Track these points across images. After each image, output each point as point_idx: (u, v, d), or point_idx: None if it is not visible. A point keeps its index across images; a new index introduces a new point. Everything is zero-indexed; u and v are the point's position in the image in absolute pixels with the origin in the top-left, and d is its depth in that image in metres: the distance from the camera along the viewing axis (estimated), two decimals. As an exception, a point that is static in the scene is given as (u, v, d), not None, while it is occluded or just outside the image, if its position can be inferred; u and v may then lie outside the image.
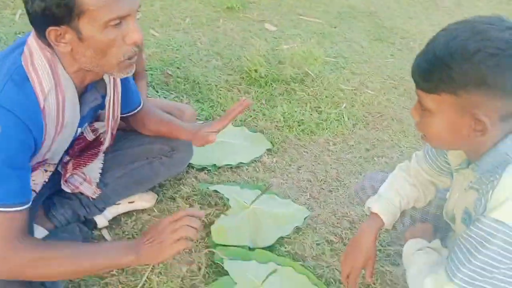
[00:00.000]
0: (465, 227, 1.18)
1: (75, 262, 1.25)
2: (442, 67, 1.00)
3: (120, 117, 1.65)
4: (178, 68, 2.95)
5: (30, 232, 1.56)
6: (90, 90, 1.42)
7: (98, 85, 1.43)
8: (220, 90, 2.77)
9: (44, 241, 1.34)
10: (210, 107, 2.62)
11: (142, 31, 1.25)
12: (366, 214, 1.97)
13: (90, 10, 1.15)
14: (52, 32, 1.18)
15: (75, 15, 1.15)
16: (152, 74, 2.81)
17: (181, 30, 3.43)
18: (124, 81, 1.55)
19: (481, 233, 1.04)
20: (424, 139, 1.19)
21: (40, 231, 1.65)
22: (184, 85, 2.78)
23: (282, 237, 1.85)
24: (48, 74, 1.24)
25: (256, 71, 2.85)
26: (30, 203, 1.26)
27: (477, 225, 1.05)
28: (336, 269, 1.77)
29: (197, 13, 3.69)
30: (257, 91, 2.79)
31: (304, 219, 1.96)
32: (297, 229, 1.92)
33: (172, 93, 2.69)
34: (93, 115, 1.57)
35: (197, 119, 2.48)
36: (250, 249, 1.78)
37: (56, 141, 1.37)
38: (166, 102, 2.33)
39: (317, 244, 1.87)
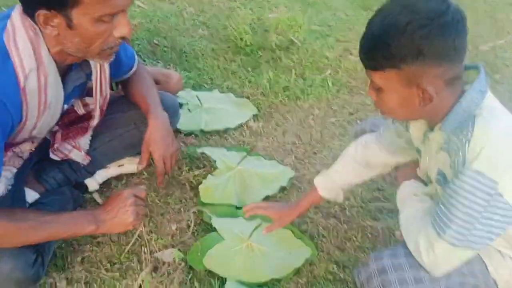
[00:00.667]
0: (440, 187, 1.24)
1: (37, 233, 1.34)
2: (381, 45, 1.06)
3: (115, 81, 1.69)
4: (164, 38, 2.97)
5: (22, 195, 1.61)
6: (74, 69, 1.43)
7: (82, 63, 1.44)
8: (207, 59, 2.81)
9: (8, 210, 1.34)
10: (197, 75, 2.66)
11: (130, 24, 1.28)
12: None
13: (85, 3, 1.16)
14: (41, 15, 1.18)
15: (70, 4, 1.16)
16: (139, 44, 2.84)
17: (167, 1, 3.44)
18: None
19: (465, 185, 1.08)
20: (385, 115, 1.26)
21: (31, 195, 1.70)
22: (171, 54, 2.81)
23: (268, 196, 1.92)
24: (30, 55, 1.25)
25: (242, 39, 2.89)
26: None
27: (460, 177, 1.10)
28: (319, 224, 1.85)
29: (183, -17, 3.68)
30: (243, 59, 2.83)
31: (289, 179, 2.03)
32: (283, 189, 1.99)
33: (159, 62, 2.72)
34: (80, 92, 1.58)
35: (184, 86, 2.52)
36: (237, 208, 1.85)
37: (40, 120, 1.39)
38: (152, 68, 2.37)
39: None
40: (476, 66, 1.18)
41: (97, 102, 1.60)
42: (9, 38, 1.23)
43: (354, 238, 1.81)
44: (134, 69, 1.75)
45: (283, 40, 2.94)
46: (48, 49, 1.28)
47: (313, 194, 1.68)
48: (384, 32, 1.06)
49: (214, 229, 1.74)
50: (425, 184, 1.44)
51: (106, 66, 1.53)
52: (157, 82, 2.00)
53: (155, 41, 2.90)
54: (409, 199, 1.36)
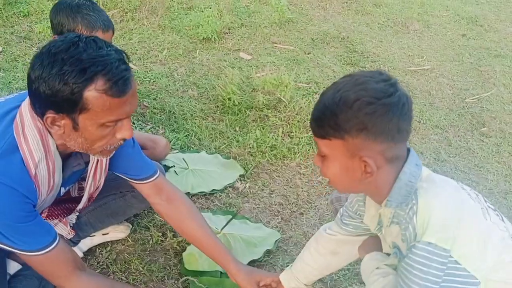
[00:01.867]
0: (397, 259, 1.25)
1: None
2: (330, 115, 1.13)
3: (134, 184, 1.68)
4: (154, 99, 3.03)
5: (3, 266, 1.61)
6: (74, 156, 1.49)
7: (83, 153, 1.48)
8: (195, 119, 2.86)
9: (110, 283, 1.52)
10: (185, 136, 2.69)
11: (132, 129, 1.35)
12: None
13: (93, 110, 1.23)
14: (50, 117, 1.25)
15: (78, 110, 1.23)
16: (128, 106, 2.88)
17: (158, 62, 3.53)
18: (123, 148, 1.51)
19: (418, 258, 1.11)
20: (330, 183, 1.29)
21: (14, 266, 1.69)
22: (160, 116, 2.86)
23: (253, 261, 1.91)
24: (38, 144, 1.31)
25: (229, 99, 2.94)
26: (58, 236, 1.39)
27: (413, 251, 1.13)
28: (306, 289, 1.83)
29: (174, 45, 3.79)
30: (231, 119, 2.87)
31: (275, 242, 2.02)
32: (269, 252, 1.99)
33: (148, 124, 2.77)
34: (77, 177, 1.62)
35: (171, 147, 2.56)
36: (222, 274, 1.83)
37: (44, 201, 1.45)
38: (139, 133, 2.41)
39: (288, 267, 1.92)
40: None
41: (87, 189, 1.63)
42: (19, 131, 1.30)
43: (341, 303, 1.79)
44: (153, 179, 1.68)
45: (271, 99, 3.00)
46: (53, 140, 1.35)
47: None
48: (334, 104, 1.12)
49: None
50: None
51: (104, 161, 1.57)
52: (144, 147, 2.02)
53: (145, 103, 2.96)
54: (372, 275, 1.35)
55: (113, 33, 1.96)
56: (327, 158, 1.20)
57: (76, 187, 1.72)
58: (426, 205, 1.13)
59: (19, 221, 1.30)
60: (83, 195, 1.67)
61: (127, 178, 1.66)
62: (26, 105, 1.31)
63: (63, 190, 1.58)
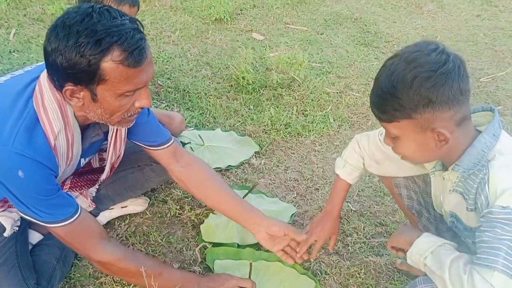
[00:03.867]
0: (453, 230, 1.28)
1: (151, 280, 1.48)
2: (392, 99, 1.16)
3: (152, 152, 1.70)
4: (168, 78, 3.04)
5: (25, 236, 1.64)
6: (92, 126, 1.51)
7: (101, 123, 1.49)
8: (210, 98, 2.87)
9: (133, 254, 1.54)
10: (200, 114, 2.71)
11: (151, 97, 1.36)
12: (351, 209, 2.06)
13: (111, 81, 1.24)
14: (68, 89, 1.26)
15: (95, 81, 1.24)
16: (143, 86, 2.90)
17: (171, 43, 3.53)
18: (140, 116, 1.52)
19: (498, 220, 1.12)
20: (405, 159, 1.34)
21: (36, 236, 1.73)
22: (175, 95, 2.87)
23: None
24: (58, 116, 1.33)
25: (243, 78, 2.95)
26: (80, 207, 1.43)
27: (489, 216, 1.14)
28: (322, 261, 1.85)
29: (187, 25, 3.79)
30: (245, 98, 2.88)
31: (291, 216, 2.03)
32: (285, 226, 1.99)
33: (163, 103, 2.78)
34: (97, 148, 1.65)
35: (186, 125, 2.57)
36: (239, 246, 1.85)
37: (64, 171, 1.47)
38: (155, 109, 2.42)
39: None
40: (491, 109, 1.27)
41: (109, 159, 1.65)
42: (38, 103, 1.31)
43: (357, 275, 1.80)
44: (168, 145, 1.70)
45: (284, 77, 3.00)
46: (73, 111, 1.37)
47: (342, 189, 1.69)
48: (393, 88, 1.16)
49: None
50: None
51: (123, 129, 1.59)
52: (160, 123, 2.03)
53: (159, 82, 2.97)
54: (438, 252, 1.24)
55: (138, 9, 1.99)
56: (399, 138, 1.24)
57: (97, 158, 1.74)
58: (498, 175, 1.15)
59: (44, 194, 1.33)
60: (104, 166, 1.69)
61: (144, 146, 1.68)
62: (45, 77, 1.33)
63: (83, 161, 1.61)
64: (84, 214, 1.44)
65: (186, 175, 1.73)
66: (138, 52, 1.23)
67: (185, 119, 2.62)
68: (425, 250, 1.23)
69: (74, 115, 1.37)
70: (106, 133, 1.57)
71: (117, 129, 1.56)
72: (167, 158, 1.71)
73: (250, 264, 1.67)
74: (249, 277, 1.66)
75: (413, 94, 1.13)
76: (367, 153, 1.61)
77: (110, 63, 1.21)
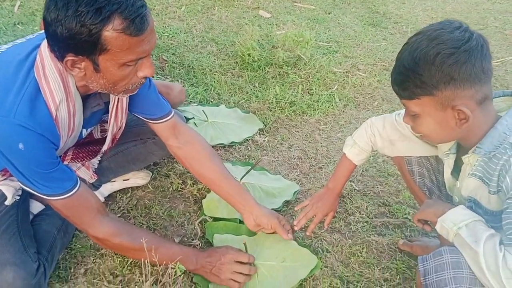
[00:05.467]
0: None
1: (148, 254, 1.47)
2: (414, 75, 1.17)
3: (152, 125, 1.68)
4: (173, 54, 3.01)
5: (26, 206, 1.64)
6: (93, 96, 1.48)
7: (102, 93, 1.47)
8: (214, 74, 2.84)
9: (128, 228, 1.54)
10: (205, 90, 2.68)
11: (154, 66, 1.33)
12: (354, 189, 2.05)
13: (112, 50, 1.20)
14: (69, 60, 1.23)
15: (97, 51, 1.20)
16: (147, 60, 2.87)
17: (177, 18, 3.49)
18: (140, 88, 1.49)
19: None
20: (424, 138, 1.35)
21: (37, 206, 1.72)
22: (179, 70, 2.84)
23: (272, 210, 1.91)
24: (59, 86, 1.30)
25: (249, 55, 2.91)
26: (79, 182, 1.42)
27: None
28: (324, 239, 1.84)
29: (193, 1, 3.74)
30: (250, 75, 2.85)
31: (294, 193, 2.02)
32: (287, 203, 1.99)
33: (167, 78, 2.75)
34: (99, 118, 1.63)
35: (190, 101, 2.55)
36: (240, 221, 1.84)
37: (66, 142, 1.45)
38: (153, 80, 2.39)
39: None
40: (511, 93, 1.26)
41: (110, 129, 1.63)
42: (40, 73, 1.28)
43: (359, 254, 1.79)
44: (168, 118, 1.68)
45: (291, 56, 2.96)
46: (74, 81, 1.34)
47: (346, 168, 1.70)
48: (415, 64, 1.16)
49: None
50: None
51: (124, 98, 1.56)
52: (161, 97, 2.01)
53: (164, 57, 2.94)
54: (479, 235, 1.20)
55: None
56: (419, 116, 1.24)
57: (98, 129, 1.73)
58: None
59: (44, 168, 1.32)
60: (106, 137, 1.68)
61: (144, 118, 1.67)
62: (45, 46, 1.29)
63: (84, 131, 1.59)
64: (82, 188, 1.42)
65: (184, 152, 1.72)
66: (140, 20, 1.19)
67: (189, 95, 2.60)
68: (460, 221, 1.21)
69: (76, 85, 1.35)
70: (107, 103, 1.54)
71: (118, 100, 1.54)
72: (166, 133, 1.70)
73: (244, 244, 1.66)
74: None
75: (435, 70, 1.13)
76: (381, 135, 1.60)
77: (111, 32, 1.17)
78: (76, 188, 1.39)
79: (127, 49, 1.21)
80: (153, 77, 1.43)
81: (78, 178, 1.43)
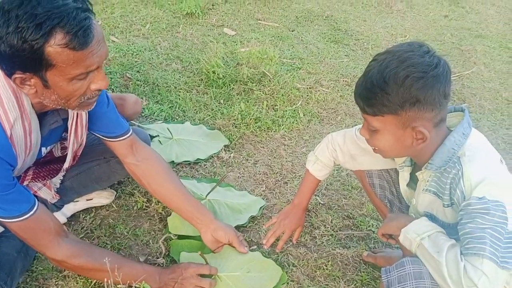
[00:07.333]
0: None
1: (113, 263, 1.45)
2: (381, 94, 1.21)
3: (110, 143, 1.68)
4: (138, 71, 3.00)
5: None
6: (50, 113, 1.45)
7: (60, 109, 1.46)
8: (179, 92, 2.84)
9: (87, 247, 1.52)
10: (169, 107, 2.68)
11: (107, 78, 1.32)
12: (319, 203, 2.08)
13: (59, 66, 1.18)
14: (18, 78, 1.21)
15: (43, 67, 1.18)
16: (111, 78, 2.86)
17: (141, 36, 3.48)
18: (99, 106, 1.52)
19: (477, 210, 1.15)
20: (377, 152, 1.38)
21: (-3, 228, 1.67)
22: (144, 88, 2.84)
23: (238, 226, 1.92)
24: (13, 104, 1.28)
25: (214, 72, 2.93)
26: (37, 204, 1.38)
27: (468, 208, 1.17)
28: (290, 254, 1.85)
29: (157, 19, 3.75)
30: (215, 92, 2.86)
31: (260, 208, 2.03)
32: (253, 219, 2.00)
33: (131, 96, 2.74)
34: (58, 136, 1.60)
35: (155, 119, 2.54)
36: (206, 238, 1.84)
37: (24, 161, 1.42)
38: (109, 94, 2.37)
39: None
40: (462, 109, 1.33)
41: (70, 146, 1.61)
42: None
43: (324, 267, 1.81)
44: (126, 136, 1.68)
45: (255, 72, 2.99)
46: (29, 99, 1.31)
47: (311, 183, 1.76)
48: (384, 83, 1.20)
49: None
50: None
51: (83, 114, 1.54)
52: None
53: (128, 74, 2.93)
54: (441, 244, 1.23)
55: None
56: (378, 132, 1.29)
57: (58, 147, 1.70)
58: (470, 169, 1.20)
59: (0, 190, 1.29)
60: (66, 154, 1.65)
61: (102, 137, 1.66)
62: None
63: (44, 150, 1.56)
64: (40, 210, 1.39)
65: (141, 169, 1.72)
66: (83, 33, 1.16)
67: (154, 113, 2.59)
68: (423, 232, 1.25)
69: (31, 102, 1.32)
70: (65, 120, 1.52)
71: (77, 116, 1.52)
72: (124, 151, 1.69)
73: (201, 255, 1.66)
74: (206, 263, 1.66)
75: (403, 91, 1.18)
76: (342, 150, 1.64)
77: (54, 47, 1.15)
78: (33, 210, 1.36)
79: (74, 63, 1.19)
80: (107, 89, 1.42)
81: (36, 200, 1.40)
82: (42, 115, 1.42)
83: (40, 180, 1.73)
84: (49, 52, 1.16)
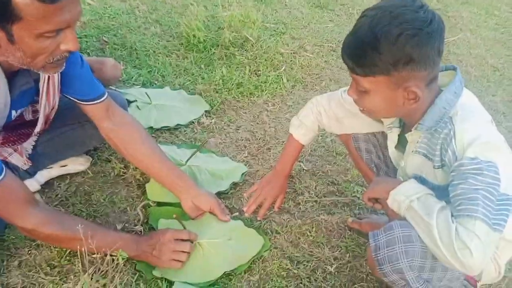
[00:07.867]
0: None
1: (90, 229, 1.37)
2: (373, 53, 1.12)
3: (85, 107, 1.60)
4: (114, 35, 2.87)
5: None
6: (21, 74, 1.36)
7: (31, 70, 1.36)
8: (158, 56, 2.73)
9: (58, 216, 1.44)
10: (148, 72, 2.57)
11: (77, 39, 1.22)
12: (303, 169, 2.03)
13: (27, 19, 1.09)
14: None
15: (9, 19, 1.09)
16: (87, 41, 2.73)
17: (119, -1, 3.34)
18: (72, 68, 1.46)
19: (469, 171, 1.10)
20: (364, 113, 1.31)
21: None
22: (121, 52, 2.72)
23: (219, 192, 1.86)
24: None
25: (194, 36, 2.82)
26: (4, 170, 1.28)
27: (460, 169, 1.12)
28: (273, 220, 1.80)
29: (135, -19, 3.59)
30: (196, 56, 2.76)
31: (242, 174, 1.97)
32: (235, 185, 1.94)
33: (108, 60, 2.62)
34: (29, 98, 1.51)
35: (133, 83, 2.44)
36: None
37: None
38: (85, 57, 2.26)
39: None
40: (454, 67, 1.26)
41: (42, 109, 1.53)
42: None
43: (308, 233, 1.77)
44: (101, 100, 1.61)
45: (237, 37, 2.89)
46: None
47: (294, 149, 1.71)
48: (376, 41, 1.11)
49: (162, 228, 1.66)
50: None
51: (55, 75, 1.46)
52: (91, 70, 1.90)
53: (104, 38, 2.80)
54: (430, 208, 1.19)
55: None
56: (368, 92, 1.21)
57: (30, 110, 1.61)
58: (462, 129, 1.15)
59: None
60: (38, 118, 1.56)
61: (77, 100, 1.58)
62: None
63: (14, 113, 1.48)
64: (8, 177, 1.30)
65: (117, 134, 1.65)
66: None
67: (132, 78, 2.49)
68: (412, 194, 1.21)
69: None
70: (36, 81, 1.43)
71: (49, 77, 1.43)
72: (100, 115, 1.62)
73: (176, 217, 1.61)
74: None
75: (396, 50, 1.11)
76: (327, 113, 1.57)
77: None
78: (0, 178, 1.28)
79: (43, 18, 1.11)
80: (78, 51, 1.33)
81: (4, 167, 1.31)
82: (11, 76, 1.33)
83: (10, 145, 1.64)
84: (17, 3, 1.07)
